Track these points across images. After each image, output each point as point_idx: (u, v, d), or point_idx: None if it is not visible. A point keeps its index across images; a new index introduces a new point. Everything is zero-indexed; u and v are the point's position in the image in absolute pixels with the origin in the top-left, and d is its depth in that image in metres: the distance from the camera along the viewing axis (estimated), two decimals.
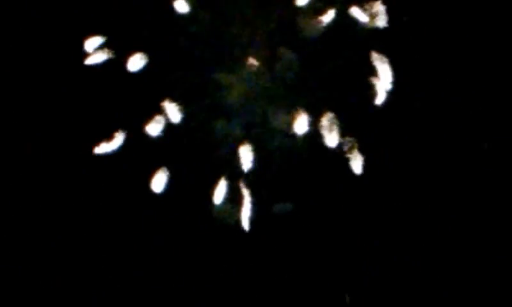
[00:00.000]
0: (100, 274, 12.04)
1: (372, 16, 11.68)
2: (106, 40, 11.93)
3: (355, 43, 11.86)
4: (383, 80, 11.63)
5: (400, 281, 11.92)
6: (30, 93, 12.21)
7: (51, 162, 12.13)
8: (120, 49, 11.89)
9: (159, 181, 11.84)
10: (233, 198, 11.84)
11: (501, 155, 11.93)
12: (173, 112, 11.89)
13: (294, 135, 11.84)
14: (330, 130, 11.77)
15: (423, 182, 11.97)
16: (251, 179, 11.85)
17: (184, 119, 11.92)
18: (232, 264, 12.01)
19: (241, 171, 11.81)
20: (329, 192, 12.00)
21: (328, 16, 11.81)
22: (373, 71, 11.66)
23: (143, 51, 11.92)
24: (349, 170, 11.75)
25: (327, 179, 12.00)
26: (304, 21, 11.98)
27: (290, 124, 11.87)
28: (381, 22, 11.68)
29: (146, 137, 11.86)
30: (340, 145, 11.76)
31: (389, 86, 11.62)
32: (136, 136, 11.88)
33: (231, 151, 11.95)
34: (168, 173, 11.86)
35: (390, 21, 11.65)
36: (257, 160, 11.83)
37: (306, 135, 11.80)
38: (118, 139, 11.87)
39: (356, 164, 11.75)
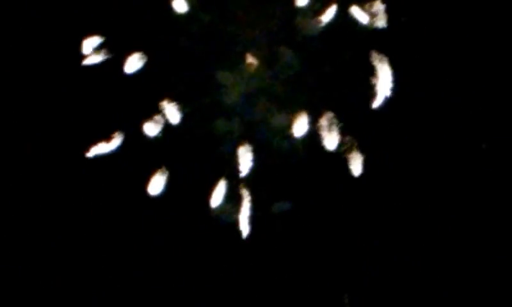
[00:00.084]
0: (101, 274, 12.07)
1: (372, 15, 11.64)
2: (105, 40, 11.92)
3: (355, 42, 11.82)
4: (383, 80, 11.59)
5: (400, 281, 11.91)
6: (30, 93, 12.21)
7: (50, 162, 12.13)
8: (118, 49, 11.87)
9: (158, 181, 11.85)
10: (233, 198, 11.84)
11: (501, 155, 11.89)
12: (172, 112, 11.89)
13: (293, 135, 11.83)
14: (330, 130, 11.75)
15: (423, 182, 11.95)
16: (251, 178, 11.85)
17: (183, 119, 11.92)
18: (231, 264, 12.02)
19: (240, 171, 11.81)
20: (328, 192, 11.99)
21: (328, 16, 11.78)
22: (373, 71, 11.63)
23: (142, 51, 11.90)
24: (348, 170, 11.73)
25: (326, 179, 11.98)
26: (304, 20, 11.95)
27: (289, 124, 11.85)
28: (381, 21, 11.64)
29: (146, 137, 11.87)
30: (339, 145, 11.74)
31: (389, 86, 11.58)
32: (136, 136, 11.88)
33: (230, 150, 11.95)
34: (167, 173, 11.87)
35: (389, 21, 11.60)
36: (257, 159, 11.83)
37: (306, 135, 11.79)
38: (118, 139, 11.87)
39: (356, 163, 11.73)
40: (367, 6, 11.65)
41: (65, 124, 12.10)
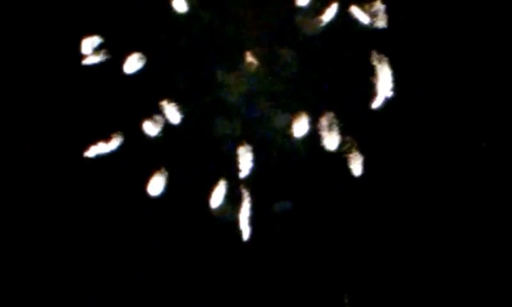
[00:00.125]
0: (101, 274, 12.07)
1: (372, 15, 11.62)
2: (105, 40, 11.91)
3: (355, 42, 11.81)
4: (383, 80, 11.58)
5: (400, 281, 11.91)
6: (29, 93, 12.20)
7: (50, 162, 12.13)
8: (118, 49, 11.86)
9: (158, 181, 11.85)
10: (233, 198, 11.84)
11: (501, 156, 11.88)
12: (172, 111, 11.89)
13: (293, 135, 11.83)
14: (330, 130, 11.75)
15: (423, 182, 11.94)
16: (251, 178, 11.85)
17: (183, 119, 11.92)
18: (231, 264, 12.02)
19: (241, 170, 11.81)
20: (329, 192, 11.98)
21: (328, 16, 11.77)
22: (373, 71, 11.62)
23: (142, 51, 11.90)
24: (348, 170, 11.73)
25: (327, 179, 11.98)
26: (305, 20, 11.93)
27: (290, 123, 11.85)
28: (381, 21, 11.62)
29: (146, 137, 11.87)
30: (339, 145, 11.73)
31: (389, 86, 11.58)
32: (136, 136, 11.88)
33: (230, 150, 11.94)
34: (166, 173, 11.87)
35: (390, 21, 11.59)
36: (257, 159, 11.82)
37: (306, 135, 11.78)
38: (118, 139, 11.87)
39: (356, 163, 11.73)
40: (367, 6, 11.64)
41: (65, 124, 12.09)
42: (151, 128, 11.84)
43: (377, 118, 11.69)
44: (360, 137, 11.73)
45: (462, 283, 11.83)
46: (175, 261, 11.99)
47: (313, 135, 11.76)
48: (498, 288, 11.81)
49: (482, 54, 11.78)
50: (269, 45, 12.09)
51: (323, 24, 11.80)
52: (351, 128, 11.74)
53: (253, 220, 11.75)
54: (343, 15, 11.74)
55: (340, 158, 11.75)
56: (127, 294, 11.97)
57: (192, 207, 11.87)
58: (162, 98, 11.85)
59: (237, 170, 11.80)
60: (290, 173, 12.00)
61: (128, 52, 11.83)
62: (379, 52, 11.59)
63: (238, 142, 11.91)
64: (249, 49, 12.07)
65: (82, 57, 11.85)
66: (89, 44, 11.82)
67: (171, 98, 11.86)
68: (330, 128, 11.72)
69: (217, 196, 11.78)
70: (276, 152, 12.01)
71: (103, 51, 11.85)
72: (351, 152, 11.72)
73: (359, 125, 11.76)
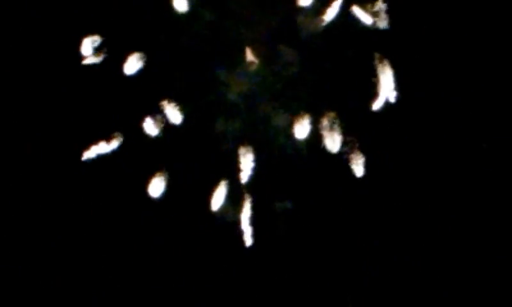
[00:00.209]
0: (101, 274, 12.06)
1: (374, 16, 11.58)
2: (105, 40, 11.85)
3: (357, 42, 11.77)
4: (385, 81, 11.56)
5: (400, 281, 11.93)
6: (30, 93, 12.15)
7: (51, 162, 12.09)
8: (119, 49, 11.81)
9: (159, 181, 11.82)
10: (234, 198, 11.83)
11: (501, 156, 11.88)
12: (173, 111, 11.85)
13: (295, 135, 11.81)
14: (331, 130, 11.72)
15: (423, 182, 11.94)
16: (252, 178, 11.83)
17: (184, 118, 11.88)
18: (232, 263, 12.02)
19: (242, 170, 11.79)
20: (330, 192, 11.98)
21: (330, 15, 11.72)
22: (375, 72, 11.59)
23: (143, 50, 11.84)
24: (349, 170, 11.72)
25: (328, 178, 11.97)
26: (306, 20, 11.89)
27: (291, 123, 11.83)
28: (383, 22, 11.58)
29: (147, 136, 11.84)
30: (341, 145, 11.71)
31: (390, 87, 11.55)
32: (136, 136, 11.84)
33: (231, 149, 11.92)
34: (168, 172, 11.84)
35: (391, 21, 11.55)
36: (257, 159, 11.80)
37: (307, 135, 11.76)
38: (118, 139, 11.83)
39: (357, 163, 11.71)
40: (368, 6, 11.59)
41: (65, 124, 12.05)
42: (151, 128, 11.80)
43: (379, 118, 11.67)
44: (361, 137, 11.71)
45: (462, 282, 11.86)
46: (176, 261, 11.99)
47: (315, 135, 11.73)
48: (498, 288, 11.84)
49: (484, 55, 11.76)
50: (270, 44, 12.04)
51: (325, 24, 11.76)
52: (352, 128, 11.71)
53: (254, 221, 11.74)
54: (344, 14, 11.69)
55: (341, 157, 11.73)
56: (128, 294, 11.97)
57: (194, 207, 11.85)
58: (162, 98, 11.80)
59: (238, 170, 11.77)
60: (292, 173, 11.98)
61: (128, 52, 11.77)
62: (381, 52, 11.55)
63: (239, 142, 11.88)
64: (250, 48, 12.03)
65: (82, 57, 11.79)
66: (89, 44, 11.76)
67: (172, 98, 11.82)
68: (331, 128, 11.70)
69: (219, 197, 11.76)
70: (277, 152, 11.99)
71: (103, 51, 11.79)
72: (352, 152, 11.70)
73: (360, 125, 11.73)
